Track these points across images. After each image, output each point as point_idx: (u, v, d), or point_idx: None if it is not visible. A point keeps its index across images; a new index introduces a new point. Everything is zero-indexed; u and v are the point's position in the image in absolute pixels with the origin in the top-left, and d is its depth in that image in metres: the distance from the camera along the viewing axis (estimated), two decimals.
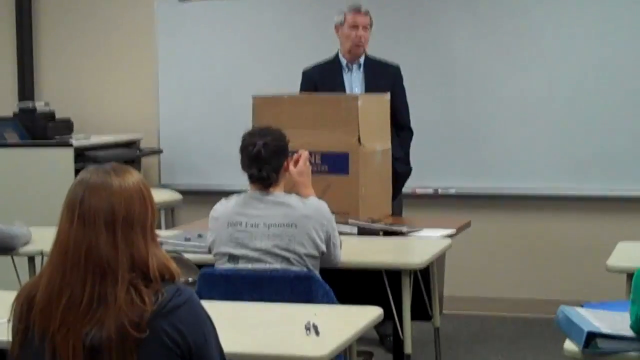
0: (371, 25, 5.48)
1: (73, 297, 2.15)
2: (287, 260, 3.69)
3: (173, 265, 2.22)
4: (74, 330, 2.15)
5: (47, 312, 2.17)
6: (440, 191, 6.55)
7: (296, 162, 4.03)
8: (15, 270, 4.49)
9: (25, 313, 2.21)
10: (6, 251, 4.32)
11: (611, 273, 3.93)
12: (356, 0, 5.57)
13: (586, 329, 2.75)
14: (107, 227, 2.16)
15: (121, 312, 2.13)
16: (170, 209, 6.91)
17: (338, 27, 5.49)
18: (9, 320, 2.27)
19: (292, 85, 5.55)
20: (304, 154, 4.08)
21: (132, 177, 2.22)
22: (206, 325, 2.26)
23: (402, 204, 5.62)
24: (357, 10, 5.45)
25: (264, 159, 3.77)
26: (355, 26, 5.42)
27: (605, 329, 2.76)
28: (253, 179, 3.81)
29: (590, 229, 6.34)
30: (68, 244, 2.17)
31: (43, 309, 2.17)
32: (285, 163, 3.87)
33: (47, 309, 2.17)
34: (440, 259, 4.49)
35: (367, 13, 5.45)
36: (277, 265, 3.68)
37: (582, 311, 2.94)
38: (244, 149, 3.83)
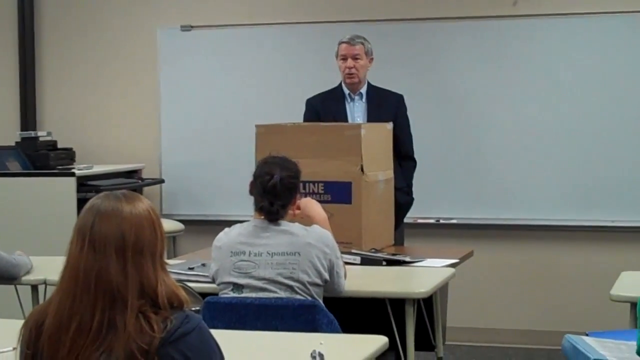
0: (368, 53, 5.44)
1: (82, 323, 2.15)
2: (291, 288, 3.68)
3: (182, 293, 2.22)
4: (83, 356, 2.15)
5: (56, 338, 2.16)
6: (442, 221, 6.55)
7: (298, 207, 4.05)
8: (19, 299, 4.48)
9: (34, 339, 2.20)
10: (8, 280, 4.32)
11: (615, 302, 3.93)
12: (355, 30, 5.58)
13: (592, 356, 2.75)
14: (117, 253, 2.16)
15: (130, 339, 2.12)
16: (172, 239, 6.90)
17: (335, 58, 5.50)
18: (14, 348, 2.27)
19: (295, 114, 5.56)
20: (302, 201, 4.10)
21: (143, 204, 2.23)
22: (214, 352, 2.25)
23: (404, 233, 5.61)
24: (345, 40, 5.43)
25: (278, 193, 3.76)
26: (344, 57, 5.42)
27: (611, 357, 2.76)
28: (262, 211, 3.79)
29: (594, 259, 6.34)
30: (78, 270, 2.17)
31: (52, 335, 2.17)
32: (294, 199, 3.87)
33: (56, 335, 2.16)
34: (443, 288, 4.47)
35: (355, 42, 5.39)
36: (282, 294, 3.67)
37: (587, 339, 2.95)
38: (258, 177, 3.81)
